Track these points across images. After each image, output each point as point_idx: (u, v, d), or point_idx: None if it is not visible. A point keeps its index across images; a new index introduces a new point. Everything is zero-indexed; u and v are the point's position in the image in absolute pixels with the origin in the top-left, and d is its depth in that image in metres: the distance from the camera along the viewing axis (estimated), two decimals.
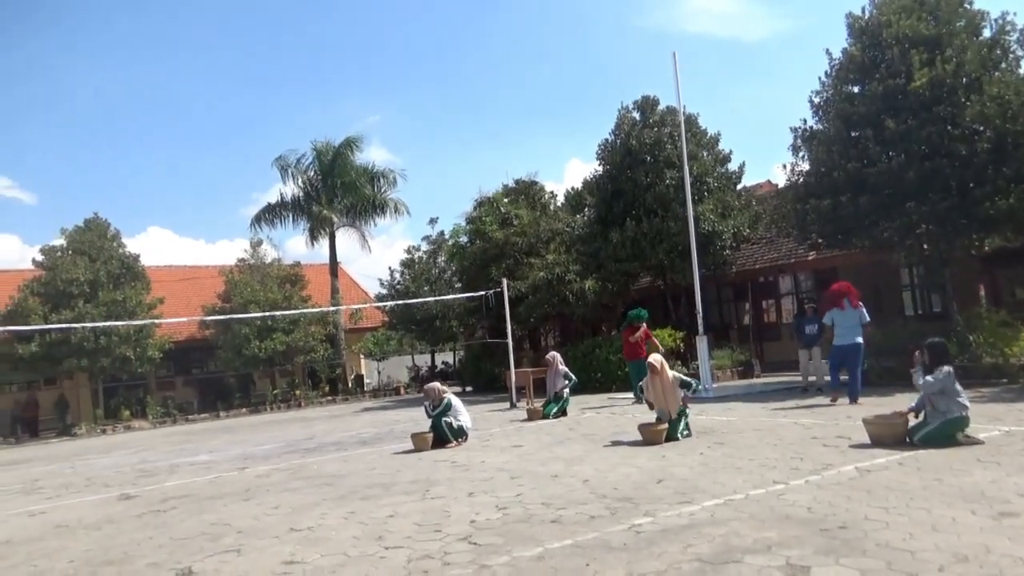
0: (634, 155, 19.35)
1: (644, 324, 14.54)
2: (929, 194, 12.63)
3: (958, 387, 7.17)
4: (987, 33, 13.30)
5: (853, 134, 13.73)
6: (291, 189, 30.39)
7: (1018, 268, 16.98)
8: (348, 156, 30.06)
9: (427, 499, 6.76)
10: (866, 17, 14.15)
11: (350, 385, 29.73)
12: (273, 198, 31.55)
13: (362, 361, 34.78)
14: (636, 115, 20.25)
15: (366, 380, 32.70)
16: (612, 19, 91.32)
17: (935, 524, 4.47)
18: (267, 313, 23.01)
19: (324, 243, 30.70)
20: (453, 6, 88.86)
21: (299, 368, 29.01)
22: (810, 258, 19.63)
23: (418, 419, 15.28)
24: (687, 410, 9.35)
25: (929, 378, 7.21)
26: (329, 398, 27.67)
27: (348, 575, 4.57)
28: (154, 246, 66.17)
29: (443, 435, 10.41)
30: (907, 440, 7.27)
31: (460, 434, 10.53)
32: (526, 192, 23.29)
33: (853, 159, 13.30)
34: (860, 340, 11.36)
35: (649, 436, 8.96)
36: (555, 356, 14.06)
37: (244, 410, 26.11)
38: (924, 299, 19.99)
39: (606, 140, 20.68)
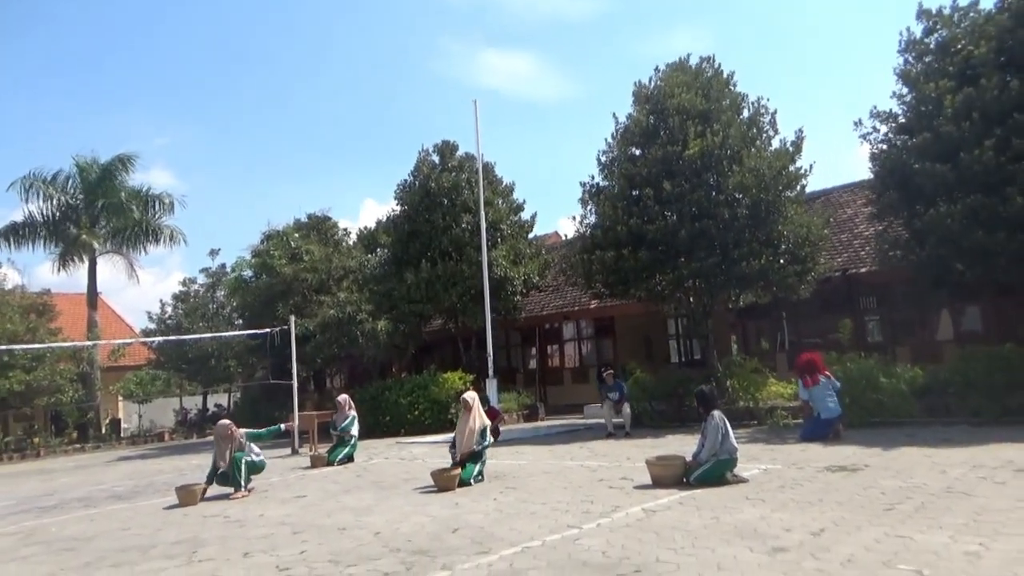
0: (432, 197, 19.46)
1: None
2: (697, 252, 13.88)
3: (728, 429, 7.76)
4: (746, 114, 15.03)
5: (635, 193, 14.77)
6: (43, 208, 26.72)
7: (764, 321, 19.18)
8: (118, 175, 27.11)
9: (193, 563, 5.95)
10: (651, 87, 15.42)
11: (104, 431, 26.34)
12: (20, 216, 27.30)
13: (120, 403, 31.08)
14: (436, 158, 20.44)
15: (124, 425, 29.18)
16: (413, 65, 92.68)
17: (720, 563, 4.67)
18: (1, 347, 19.72)
19: (83, 271, 27.32)
20: (255, 39, 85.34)
21: (40, 411, 25.16)
22: (592, 307, 20.78)
23: (184, 469, 13.87)
24: (485, 456, 9.28)
25: (719, 438, 7.66)
26: (77, 446, 24.24)
27: None
28: None
29: (235, 478, 9.53)
30: (684, 480, 7.71)
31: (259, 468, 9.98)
32: (318, 227, 22.46)
33: (635, 216, 14.28)
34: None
35: (442, 482, 8.72)
36: (346, 399, 13.45)
37: None
38: (687, 347, 21.94)
39: (405, 181, 20.63)
